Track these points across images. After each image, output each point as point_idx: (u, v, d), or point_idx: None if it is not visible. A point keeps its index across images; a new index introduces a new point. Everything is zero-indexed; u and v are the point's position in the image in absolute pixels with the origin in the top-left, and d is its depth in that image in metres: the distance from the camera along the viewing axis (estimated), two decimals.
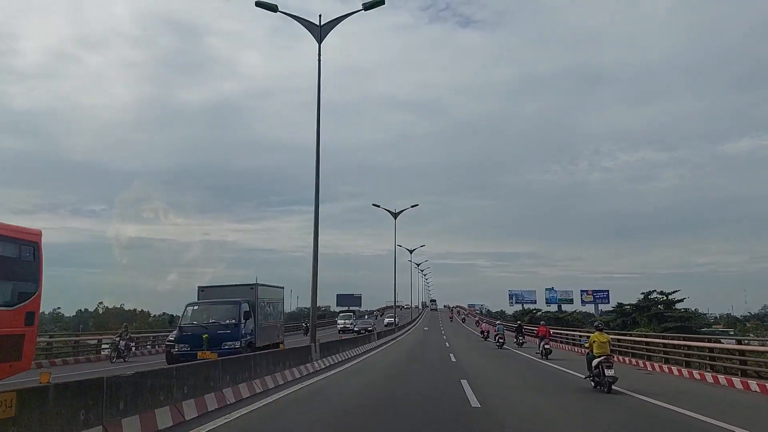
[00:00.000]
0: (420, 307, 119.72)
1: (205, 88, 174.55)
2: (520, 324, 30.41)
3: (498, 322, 29.75)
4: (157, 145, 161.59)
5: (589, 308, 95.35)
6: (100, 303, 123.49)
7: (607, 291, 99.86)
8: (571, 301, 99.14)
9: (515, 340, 28.45)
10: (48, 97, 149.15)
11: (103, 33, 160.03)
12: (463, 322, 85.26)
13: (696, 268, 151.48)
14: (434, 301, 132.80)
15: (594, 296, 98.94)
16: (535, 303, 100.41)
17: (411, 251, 62.34)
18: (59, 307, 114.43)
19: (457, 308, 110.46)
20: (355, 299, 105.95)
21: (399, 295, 56.42)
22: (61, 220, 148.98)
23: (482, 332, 38.46)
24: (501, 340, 26.99)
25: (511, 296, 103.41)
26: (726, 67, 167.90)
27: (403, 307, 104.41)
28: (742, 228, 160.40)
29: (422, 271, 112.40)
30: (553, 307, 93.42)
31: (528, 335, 32.43)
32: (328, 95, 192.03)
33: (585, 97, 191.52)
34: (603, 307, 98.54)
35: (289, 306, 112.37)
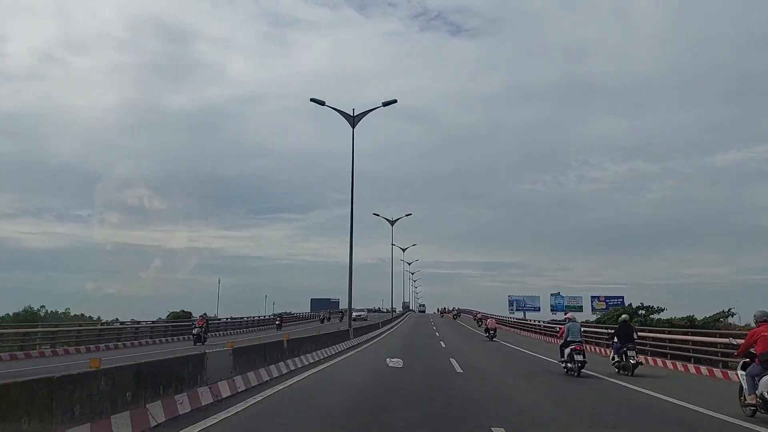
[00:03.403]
0: (401, 309, 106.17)
1: (193, 94, 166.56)
2: (626, 323, 14.97)
3: (568, 316, 14.65)
4: (143, 150, 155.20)
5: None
6: (42, 306, 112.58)
7: (622, 297, 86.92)
8: (580, 308, 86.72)
9: (616, 358, 14.47)
10: (33, 100, 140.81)
11: (91, 36, 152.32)
12: (454, 319, 78.85)
13: (683, 279, 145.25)
14: (423, 305, 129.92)
15: (607, 303, 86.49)
16: (539, 310, 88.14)
17: (404, 249, 63.69)
18: None
19: (453, 311, 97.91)
20: (332, 304, 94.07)
21: (385, 300, 56.07)
22: (46, 224, 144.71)
23: (487, 330, 33.61)
24: (580, 357, 13.32)
25: (511, 302, 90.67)
26: (714, 80, 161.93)
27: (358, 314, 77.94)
28: (729, 240, 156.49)
29: (412, 273, 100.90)
30: (559, 315, 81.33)
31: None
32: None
33: (575, 108, 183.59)
34: None
35: (265, 311, 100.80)
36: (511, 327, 48.37)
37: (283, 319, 44.49)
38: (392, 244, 48.55)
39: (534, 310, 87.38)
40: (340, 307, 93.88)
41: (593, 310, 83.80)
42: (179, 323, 33.81)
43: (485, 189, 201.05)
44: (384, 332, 37.54)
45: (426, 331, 41.46)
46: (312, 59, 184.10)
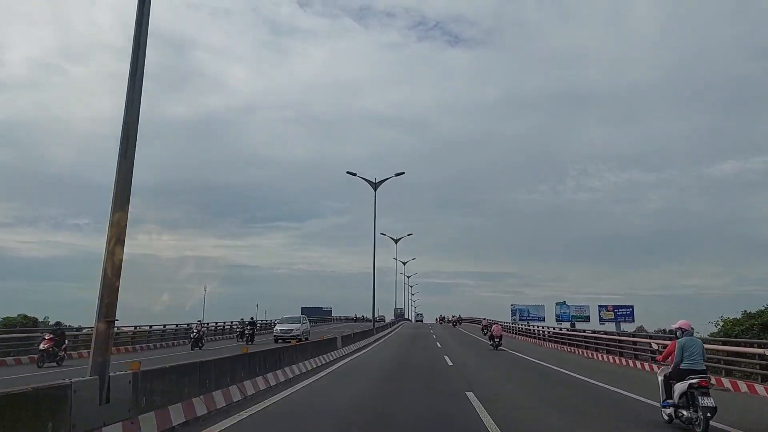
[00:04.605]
0: (392, 317, 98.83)
1: (190, 102, 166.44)
2: None
3: (681, 325, 9.73)
4: (141, 159, 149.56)
5: (609, 327, 78.35)
6: (20, 314, 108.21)
7: (632, 307, 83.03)
8: (587, 318, 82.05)
9: None
10: (30, 108, 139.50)
11: (89, 44, 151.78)
12: (454, 326, 75.96)
13: (680, 290, 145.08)
14: (421, 314, 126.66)
15: (615, 313, 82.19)
16: (544, 320, 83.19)
17: (396, 241, 53.92)
18: None
19: (454, 318, 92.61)
20: (324, 313, 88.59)
21: (382, 309, 48.37)
22: (43, 233, 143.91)
23: (491, 338, 30.53)
24: (709, 401, 8.22)
25: (513, 312, 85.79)
26: (712, 89, 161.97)
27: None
28: (725, 250, 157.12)
29: (408, 277, 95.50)
30: (565, 326, 76.43)
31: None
32: (315, 110, 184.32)
33: (572, 117, 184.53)
34: (626, 327, 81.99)
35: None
36: (517, 334, 47.34)
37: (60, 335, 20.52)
38: (375, 229, 36.32)
39: (538, 320, 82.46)
40: (332, 316, 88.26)
41: (601, 320, 79.19)
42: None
43: (482, 198, 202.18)
44: (327, 371, 16.92)
45: (433, 369, 18.70)
46: (310, 68, 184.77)
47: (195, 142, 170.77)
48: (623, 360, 21.89)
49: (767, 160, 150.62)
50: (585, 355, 26.25)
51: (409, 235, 56.44)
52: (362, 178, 33.55)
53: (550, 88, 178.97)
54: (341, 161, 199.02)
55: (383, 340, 37.87)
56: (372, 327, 38.64)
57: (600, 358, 24.33)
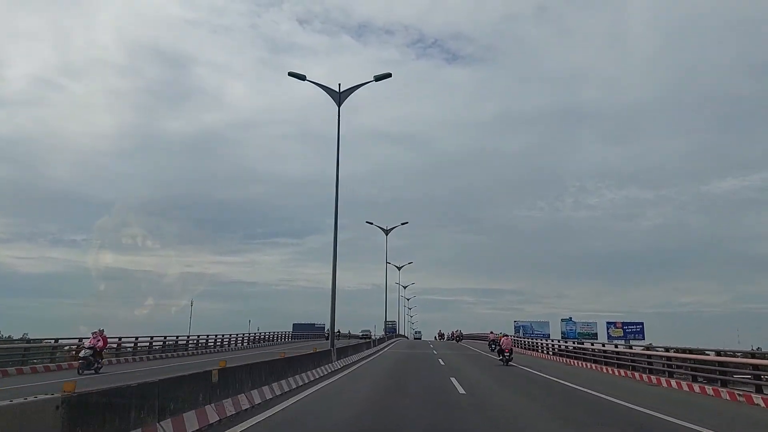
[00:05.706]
0: (383, 333, 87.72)
1: (190, 119, 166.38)
2: None
3: None
4: (139, 175, 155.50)
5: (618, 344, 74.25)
6: None
7: (641, 323, 79.16)
8: (594, 335, 78.32)
9: None
10: (29, 124, 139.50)
11: (89, 61, 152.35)
12: (458, 342, 73.73)
13: (680, 307, 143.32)
14: (419, 331, 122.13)
15: (624, 329, 78.23)
16: (548, 337, 79.19)
17: (387, 232, 52.89)
18: None
19: (456, 333, 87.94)
20: (317, 329, 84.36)
21: (378, 326, 43.66)
22: (41, 249, 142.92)
23: (501, 352, 27.85)
24: None
25: (517, 329, 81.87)
26: (709, 107, 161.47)
27: None
28: (725, 268, 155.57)
29: (404, 287, 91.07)
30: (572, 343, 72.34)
31: None
32: (314, 127, 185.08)
33: (570, 134, 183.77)
34: (636, 344, 77.98)
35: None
36: (525, 349, 45.31)
37: None
38: (338, 153, 31.38)
39: (543, 337, 78.40)
40: (325, 331, 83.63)
41: (609, 337, 75.23)
42: None
43: (481, 214, 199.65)
44: None
45: None
46: (309, 84, 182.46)
47: (194, 158, 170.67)
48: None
49: (765, 177, 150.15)
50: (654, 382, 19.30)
51: (404, 224, 49.84)
52: (320, 86, 25.97)
53: (548, 105, 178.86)
54: (340, 177, 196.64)
55: (346, 374, 19.22)
56: (330, 348, 21.65)
57: (675, 386, 17.73)
